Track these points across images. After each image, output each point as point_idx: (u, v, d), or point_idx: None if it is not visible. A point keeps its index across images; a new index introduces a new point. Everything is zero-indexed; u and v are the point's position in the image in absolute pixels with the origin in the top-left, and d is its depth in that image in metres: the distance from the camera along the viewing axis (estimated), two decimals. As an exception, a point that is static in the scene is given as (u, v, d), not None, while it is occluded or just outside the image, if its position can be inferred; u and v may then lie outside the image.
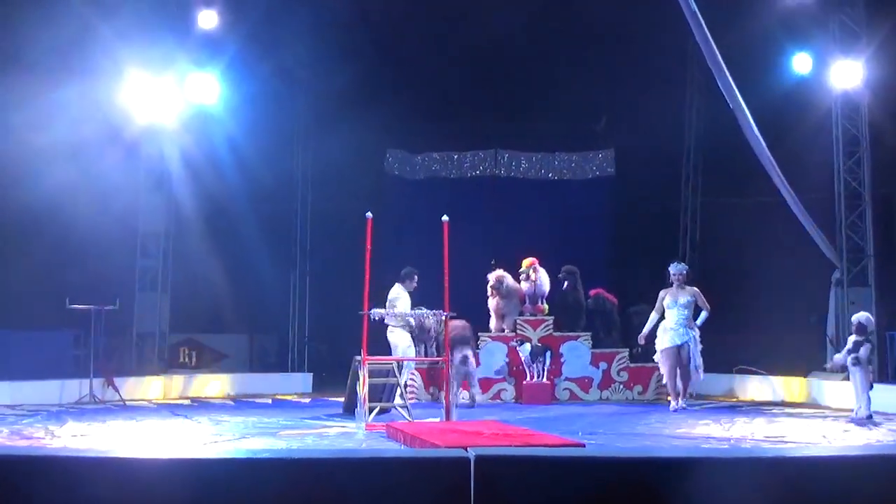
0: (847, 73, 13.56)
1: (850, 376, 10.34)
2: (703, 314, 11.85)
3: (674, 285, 11.87)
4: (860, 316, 10.52)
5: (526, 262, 13.59)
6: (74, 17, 12.27)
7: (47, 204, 12.70)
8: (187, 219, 14.72)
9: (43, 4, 12.63)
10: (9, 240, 13.60)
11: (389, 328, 12.05)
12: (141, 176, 14.39)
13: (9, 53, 12.71)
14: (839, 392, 11.87)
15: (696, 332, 11.82)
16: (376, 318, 10.76)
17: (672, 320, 11.78)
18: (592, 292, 14.16)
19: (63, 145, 12.42)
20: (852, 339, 10.38)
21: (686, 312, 11.73)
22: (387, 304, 11.73)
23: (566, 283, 13.82)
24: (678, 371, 11.74)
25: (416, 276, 12.16)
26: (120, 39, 13.01)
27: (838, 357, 10.71)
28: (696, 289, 11.96)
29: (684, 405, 11.68)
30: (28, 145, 12.38)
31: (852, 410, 10.22)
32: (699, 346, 11.79)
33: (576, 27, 15.86)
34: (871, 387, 10.16)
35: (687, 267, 12.23)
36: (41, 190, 12.54)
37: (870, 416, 9.97)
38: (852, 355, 10.14)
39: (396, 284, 12.09)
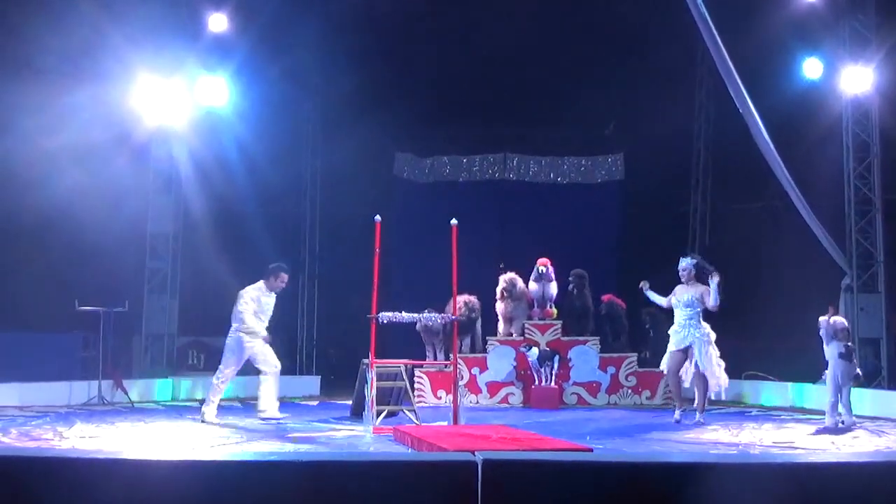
0: (857, 79, 13.53)
1: (845, 384, 10.06)
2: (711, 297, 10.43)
3: (682, 282, 10.70)
4: (843, 320, 10.37)
5: (539, 263, 13.59)
6: (85, 22, 12.33)
7: (57, 207, 12.77)
8: (196, 221, 14.74)
9: (54, 11, 12.69)
10: (19, 242, 13.66)
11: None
12: (150, 178, 14.43)
13: (21, 59, 12.80)
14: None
15: (706, 332, 10.52)
16: (385, 322, 10.75)
17: (676, 321, 10.69)
18: (604, 298, 14.13)
19: (73, 149, 12.48)
20: (834, 344, 10.05)
21: (689, 311, 10.52)
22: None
23: (572, 287, 13.78)
24: (689, 377, 10.66)
25: (282, 275, 10.75)
26: (130, 43, 13.07)
27: (827, 373, 10.30)
28: (704, 286, 10.51)
29: (701, 419, 10.44)
30: (39, 149, 12.47)
31: (836, 417, 10.06)
32: (709, 348, 10.46)
33: (585, 31, 15.86)
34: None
35: (693, 262, 10.85)
36: (51, 193, 12.62)
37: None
38: (855, 366, 10.08)
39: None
